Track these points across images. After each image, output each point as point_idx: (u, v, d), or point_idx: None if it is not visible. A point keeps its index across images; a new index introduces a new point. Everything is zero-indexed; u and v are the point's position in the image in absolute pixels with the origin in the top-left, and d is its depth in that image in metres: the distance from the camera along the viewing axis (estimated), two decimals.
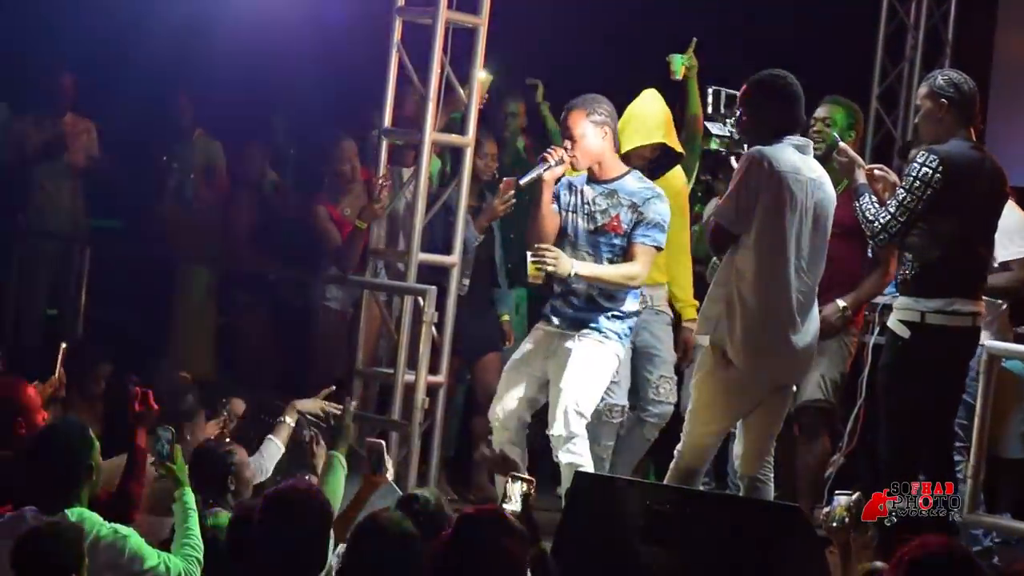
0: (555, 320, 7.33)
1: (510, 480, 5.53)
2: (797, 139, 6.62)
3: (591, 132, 7.21)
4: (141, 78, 10.06)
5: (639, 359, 7.92)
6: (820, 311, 7.64)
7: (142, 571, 5.39)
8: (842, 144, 7.24)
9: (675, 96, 8.26)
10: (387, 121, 8.32)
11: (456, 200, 8.18)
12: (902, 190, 6.85)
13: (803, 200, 6.51)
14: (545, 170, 7.21)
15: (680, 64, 8.35)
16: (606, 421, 7.72)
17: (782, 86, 6.63)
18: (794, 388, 7.00)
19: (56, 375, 6.94)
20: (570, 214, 7.29)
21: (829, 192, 6.65)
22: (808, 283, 6.61)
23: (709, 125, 7.04)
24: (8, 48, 9.87)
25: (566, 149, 7.22)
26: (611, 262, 7.20)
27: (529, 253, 7.16)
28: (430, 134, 8.09)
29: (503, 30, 8.30)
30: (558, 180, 7.32)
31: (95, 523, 5.34)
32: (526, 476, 5.55)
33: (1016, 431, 8.05)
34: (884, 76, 10.89)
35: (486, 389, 8.56)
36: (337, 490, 6.08)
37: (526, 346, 7.39)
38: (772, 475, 6.84)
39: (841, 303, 7.72)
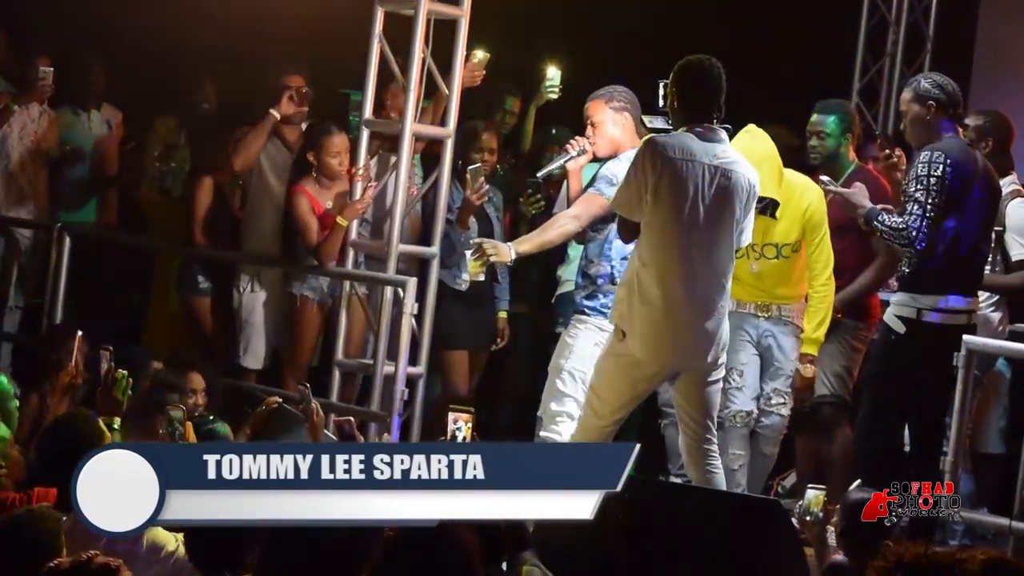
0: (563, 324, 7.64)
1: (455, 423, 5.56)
2: (701, 126, 6.57)
3: (610, 119, 7.31)
4: (124, 65, 10.02)
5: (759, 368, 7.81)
6: None
7: (163, 556, 5.36)
8: (829, 187, 7.26)
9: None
10: (368, 112, 8.32)
11: (437, 192, 8.22)
12: (921, 192, 6.84)
13: (700, 187, 6.50)
14: (567, 160, 7.40)
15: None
16: (731, 427, 7.59)
17: (693, 75, 6.63)
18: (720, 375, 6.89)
19: (72, 363, 6.93)
20: None
21: (738, 179, 6.59)
22: (710, 269, 6.58)
23: (646, 118, 7.02)
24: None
25: (587, 138, 7.34)
26: None
27: (467, 252, 7.32)
28: (411, 125, 8.11)
29: (489, 19, 8.30)
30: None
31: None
32: (466, 408, 5.58)
33: (995, 426, 8.07)
34: (865, 71, 10.90)
35: (447, 384, 8.64)
36: None
37: None
38: (719, 464, 6.84)
39: None
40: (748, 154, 6.92)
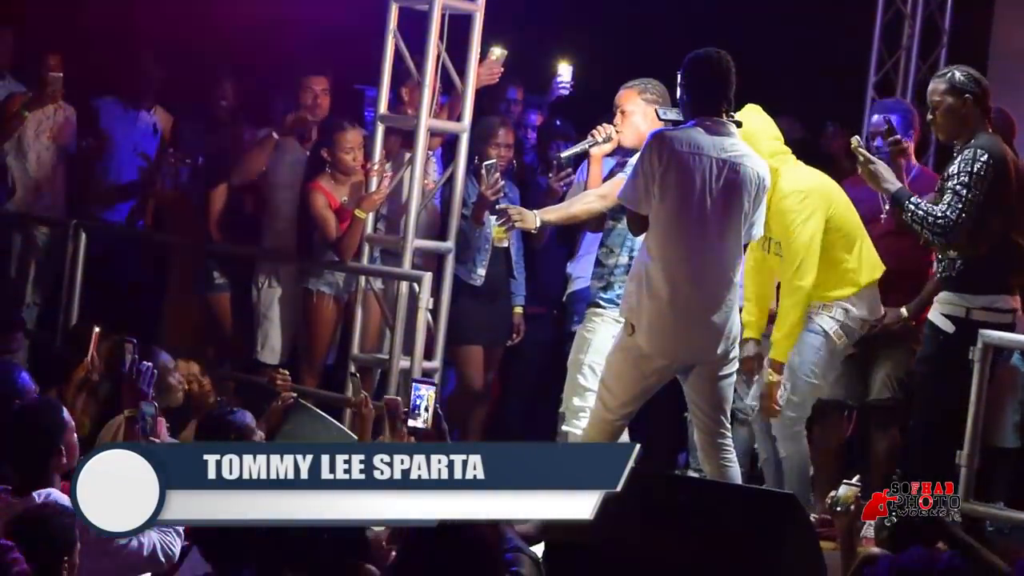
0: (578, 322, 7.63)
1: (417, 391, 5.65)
2: (709, 119, 6.57)
3: (641, 110, 7.28)
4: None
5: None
6: (884, 318, 7.59)
7: (114, 548, 5.37)
8: (859, 151, 7.04)
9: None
10: (383, 107, 8.34)
11: (452, 187, 8.23)
12: (962, 187, 6.78)
13: (707, 180, 6.50)
14: (591, 146, 7.42)
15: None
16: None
17: (702, 67, 6.63)
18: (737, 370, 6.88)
19: (88, 358, 6.96)
20: None
21: (746, 172, 6.57)
22: (718, 263, 6.58)
23: (659, 110, 6.99)
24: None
25: (614, 126, 7.33)
26: None
27: (493, 217, 7.32)
28: (426, 120, 8.13)
29: (502, 13, 8.31)
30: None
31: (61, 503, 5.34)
32: (430, 380, 5.63)
33: (1011, 420, 8.06)
34: (880, 65, 10.88)
35: (461, 379, 8.66)
36: None
37: None
38: (734, 457, 6.83)
39: (904, 311, 7.69)
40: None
